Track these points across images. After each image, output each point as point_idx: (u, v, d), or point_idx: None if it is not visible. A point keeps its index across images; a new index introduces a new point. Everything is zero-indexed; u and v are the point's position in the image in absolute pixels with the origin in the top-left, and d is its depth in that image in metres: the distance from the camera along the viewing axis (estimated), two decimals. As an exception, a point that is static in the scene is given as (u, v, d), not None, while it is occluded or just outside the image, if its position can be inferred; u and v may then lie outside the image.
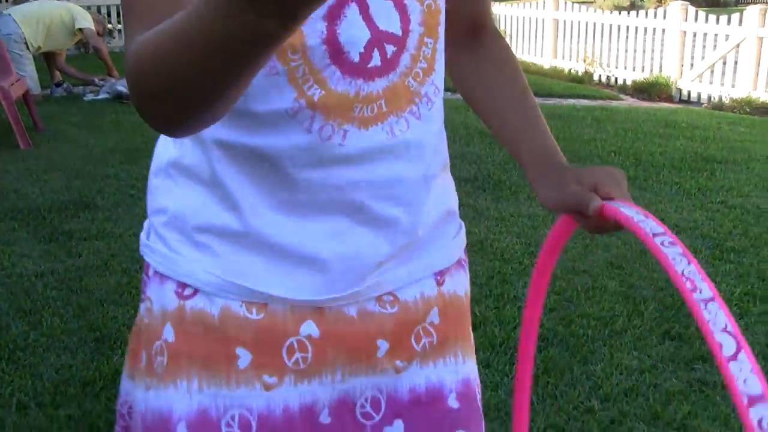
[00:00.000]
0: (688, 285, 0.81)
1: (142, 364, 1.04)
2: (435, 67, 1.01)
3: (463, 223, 1.17)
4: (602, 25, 11.49)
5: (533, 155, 1.10)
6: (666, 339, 3.33)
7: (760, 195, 5.37)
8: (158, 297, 1.03)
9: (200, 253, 1.00)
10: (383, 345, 1.05)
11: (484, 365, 3.00)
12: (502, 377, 2.95)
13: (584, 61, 11.66)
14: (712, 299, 0.80)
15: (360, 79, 0.93)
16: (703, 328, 0.77)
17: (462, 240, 1.16)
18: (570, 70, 11.88)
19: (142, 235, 1.09)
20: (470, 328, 1.18)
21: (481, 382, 1.22)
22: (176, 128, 0.76)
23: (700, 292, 0.81)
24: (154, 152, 1.08)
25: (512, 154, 1.14)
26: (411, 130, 0.99)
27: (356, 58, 0.92)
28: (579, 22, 11.85)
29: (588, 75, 11.58)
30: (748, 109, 9.36)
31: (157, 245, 1.04)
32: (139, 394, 1.04)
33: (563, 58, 12.19)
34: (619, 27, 11.30)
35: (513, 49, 12.76)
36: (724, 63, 10.08)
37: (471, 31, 1.20)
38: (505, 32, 13.13)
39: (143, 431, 1.01)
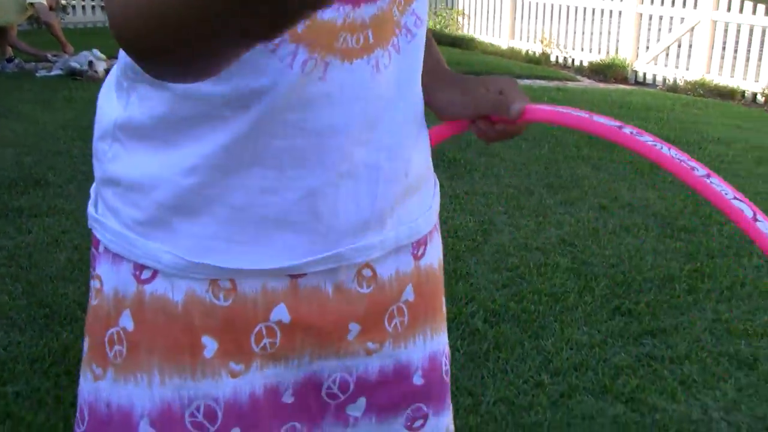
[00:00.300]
0: (685, 165, 0.84)
1: (87, 350, 0.97)
2: None
3: (436, 176, 1.13)
4: (559, 6, 11.54)
5: (429, 64, 1.09)
6: (616, 315, 3.36)
7: (711, 175, 5.44)
8: (110, 278, 0.94)
9: (159, 231, 0.90)
10: (355, 328, 1.00)
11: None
12: (453, 352, 2.97)
13: (541, 42, 11.71)
14: (710, 174, 0.85)
15: (348, 5, 0.84)
16: (715, 199, 0.82)
17: (438, 196, 1.12)
18: (527, 51, 11.91)
19: (90, 207, 0.99)
20: (443, 298, 1.14)
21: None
22: (153, 59, 0.62)
23: (697, 170, 0.84)
24: (97, 110, 0.98)
25: None
26: (392, 65, 0.92)
27: None
28: (537, 3, 11.88)
29: (545, 56, 11.63)
30: (701, 92, 9.47)
31: (110, 221, 0.94)
32: (87, 383, 0.96)
33: (521, 39, 12.22)
34: (576, 8, 11.35)
35: (470, 29, 12.73)
36: (679, 45, 10.18)
37: None
38: (463, 12, 13.13)
39: (97, 425, 0.95)
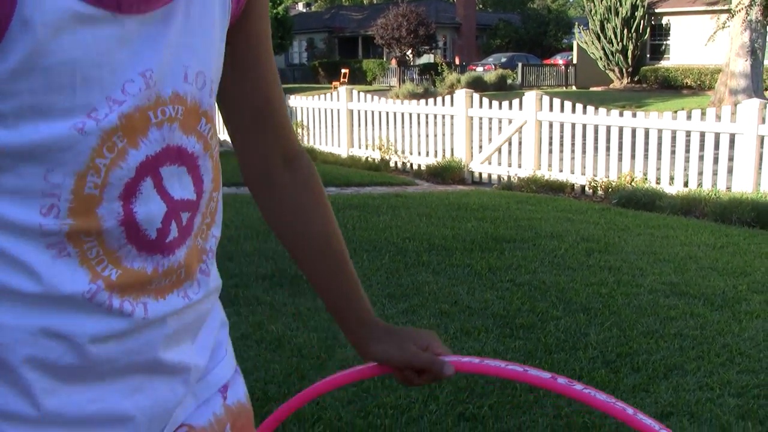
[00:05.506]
0: (629, 411, 0.99)
1: None
2: (215, 218, 1.02)
3: (227, 321, 1.17)
4: (394, 113, 11.92)
5: (355, 312, 1.20)
6: (461, 421, 3.41)
7: (546, 270, 5.65)
8: None
9: None
10: None
11: (281, 468, 2.97)
12: (300, 478, 2.93)
13: (380, 149, 12.02)
14: (637, 411, 0.98)
15: (158, 254, 0.91)
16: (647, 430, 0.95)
17: (230, 341, 1.17)
18: (367, 158, 12.21)
19: None
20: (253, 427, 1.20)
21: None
22: None
23: (629, 410, 0.98)
24: None
25: (325, 299, 1.21)
26: (202, 289, 1.00)
27: (153, 235, 0.90)
28: (372, 111, 12.24)
29: (384, 162, 11.94)
30: (534, 187, 9.91)
31: None
32: None
33: (359, 147, 12.52)
34: (410, 115, 11.76)
35: (310, 140, 12.97)
36: (510, 144, 10.66)
37: (283, 163, 1.20)
38: (302, 123, 13.37)
39: None
